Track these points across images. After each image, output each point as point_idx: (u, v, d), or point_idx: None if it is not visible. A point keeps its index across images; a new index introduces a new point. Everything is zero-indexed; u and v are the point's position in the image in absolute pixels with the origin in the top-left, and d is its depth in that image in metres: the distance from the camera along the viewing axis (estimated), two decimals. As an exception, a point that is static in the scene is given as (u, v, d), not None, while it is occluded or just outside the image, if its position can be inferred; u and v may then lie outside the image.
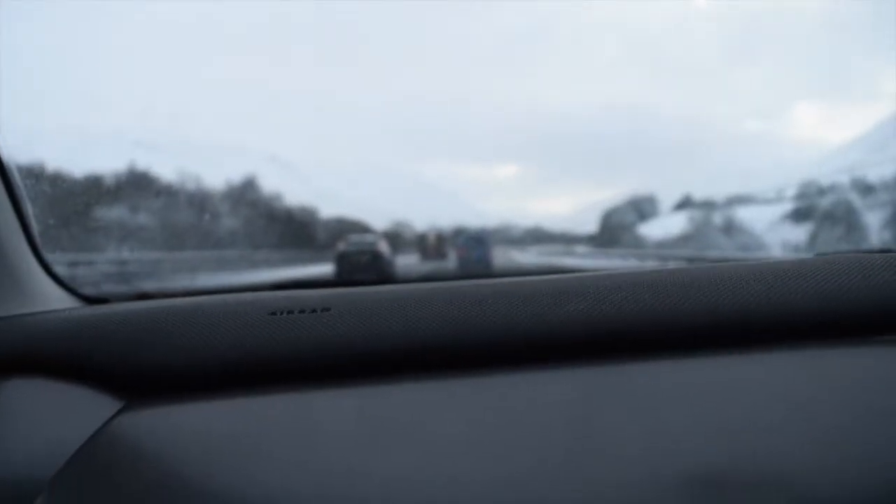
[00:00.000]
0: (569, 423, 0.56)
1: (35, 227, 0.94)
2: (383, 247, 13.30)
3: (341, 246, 13.17)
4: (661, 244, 25.72)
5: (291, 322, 0.71)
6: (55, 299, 0.95)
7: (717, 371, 0.64)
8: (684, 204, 35.91)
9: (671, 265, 0.85)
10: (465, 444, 0.55)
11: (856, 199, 25.19)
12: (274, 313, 0.72)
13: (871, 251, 0.79)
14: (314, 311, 0.71)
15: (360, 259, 12.18)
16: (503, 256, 20.52)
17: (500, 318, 0.69)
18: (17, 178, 0.90)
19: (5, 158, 0.89)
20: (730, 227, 26.90)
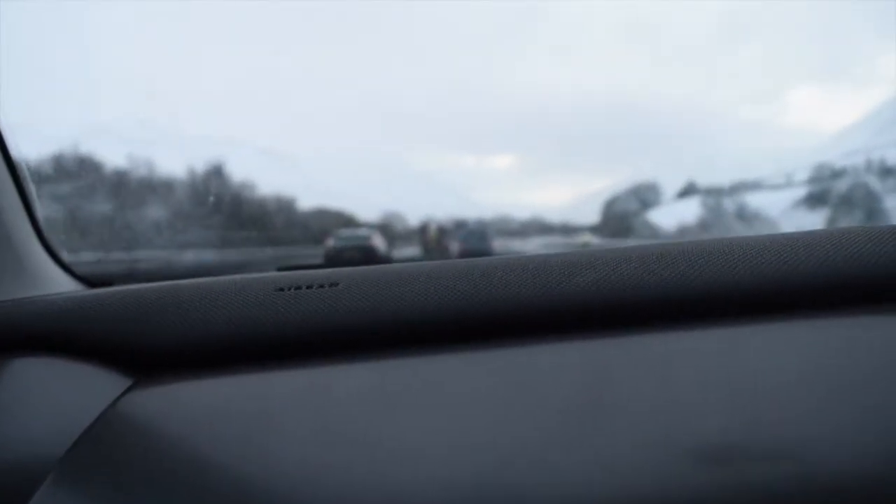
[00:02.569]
0: (579, 394, 0.56)
1: (40, 212, 0.91)
2: (378, 241, 12.22)
3: (330, 242, 12.04)
4: (681, 233, 24.35)
5: (299, 297, 0.70)
6: (60, 283, 0.92)
7: (729, 341, 0.63)
8: (688, 191, 34.78)
9: None
10: (475, 416, 0.55)
11: (874, 182, 24.03)
12: (281, 289, 0.70)
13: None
14: (322, 286, 0.70)
15: (353, 256, 11.09)
16: (505, 250, 19.60)
17: (510, 291, 0.68)
18: (22, 162, 0.87)
19: (9, 143, 0.86)
20: (744, 215, 25.61)
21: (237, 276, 0.76)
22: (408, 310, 0.68)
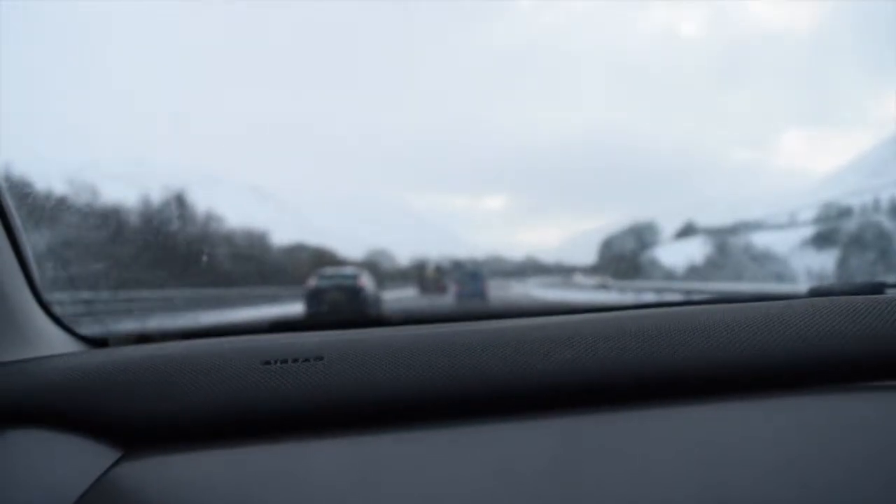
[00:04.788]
0: (557, 472, 0.57)
1: (35, 270, 0.91)
2: (367, 281, 10.81)
3: (312, 281, 10.58)
4: (690, 273, 23.02)
5: (285, 372, 0.71)
6: (56, 341, 0.92)
7: (703, 419, 0.64)
8: (687, 231, 33.70)
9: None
10: (455, 493, 0.56)
11: (886, 222, 23.07)
12: (268, 362, 0.72)
13: (862, 290, 0.81)
14: (307, 360, 0.72)
15: (338, 298, 9.64)
16: (507, 290, 18.44)
17: (489, 369, 0.69)
18: (17, 221, 0.86)
19: (5, 201, 0.84)
20: (753, 254, 24.42)
21: (226, 341, 0.77)
22: (389, 388, 0.69)
